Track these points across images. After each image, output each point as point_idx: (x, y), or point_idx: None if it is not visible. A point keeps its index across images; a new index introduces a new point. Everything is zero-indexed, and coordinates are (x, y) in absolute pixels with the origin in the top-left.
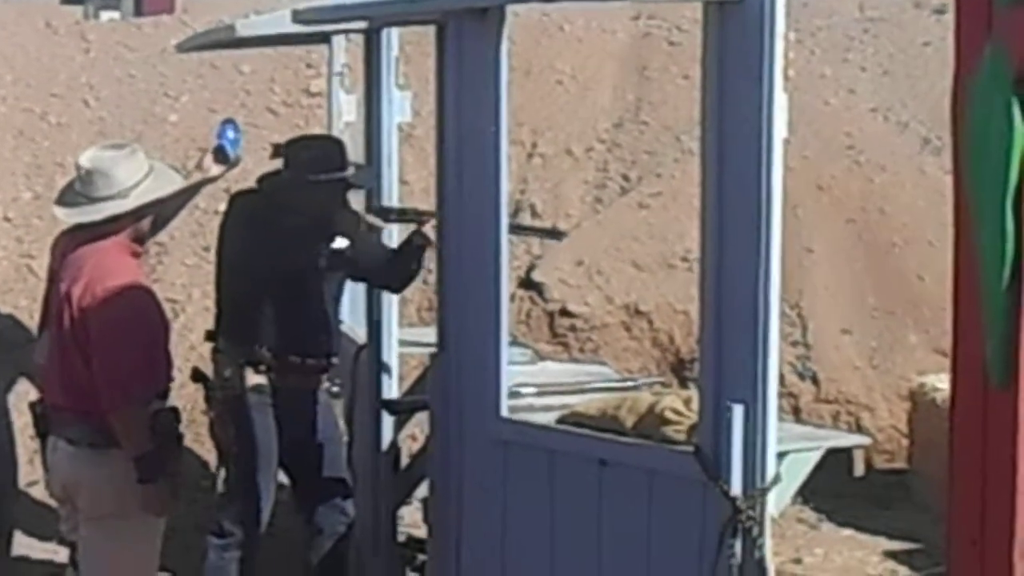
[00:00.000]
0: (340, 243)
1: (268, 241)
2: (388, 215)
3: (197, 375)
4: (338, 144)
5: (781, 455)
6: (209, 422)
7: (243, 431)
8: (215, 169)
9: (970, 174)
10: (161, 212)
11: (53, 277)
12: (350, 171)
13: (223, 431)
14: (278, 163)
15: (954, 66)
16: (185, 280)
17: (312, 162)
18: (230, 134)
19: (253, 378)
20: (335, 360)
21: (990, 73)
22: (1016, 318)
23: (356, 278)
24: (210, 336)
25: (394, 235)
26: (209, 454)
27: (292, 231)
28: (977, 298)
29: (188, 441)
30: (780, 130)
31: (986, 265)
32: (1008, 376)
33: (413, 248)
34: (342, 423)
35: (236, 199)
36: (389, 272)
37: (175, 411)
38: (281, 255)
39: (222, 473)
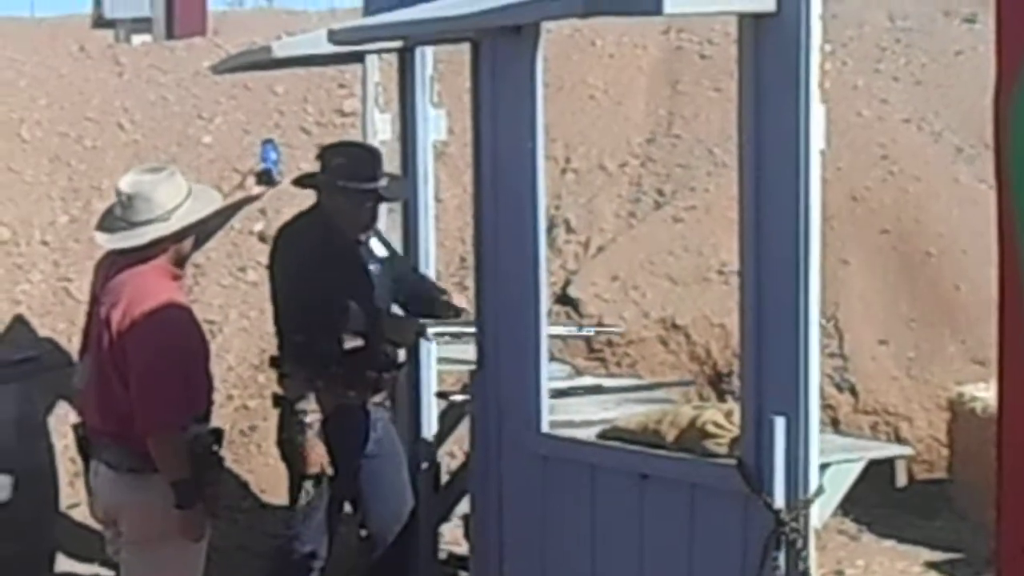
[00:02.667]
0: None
1: (319, 270)
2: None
3: (277, 400)
4: (371, 153)
5: (823, 467)
6: (281, 444)
7: (331, 450)
8: (256, 189)
9: (1013, 178)
10: (202, 230)
11: (95, 300)
12: (382, 182)
13: (311, 453)
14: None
15: (996, 73)
16: (221, 301)
17: (341, 168)
18: (272, 155)
19: (338, 399)
20: (385, 375)
21: None
22: None
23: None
24: (274, 362)
25: None
26: (250, 474)
27: (340, 262)
28: (1022, 305)
29: (228, 462)
30: (817, 141)
31: None
32: None
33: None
34: None
35: (291, 224)
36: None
37: (218, 432)
38: (330, 284)
39: (308, 491)
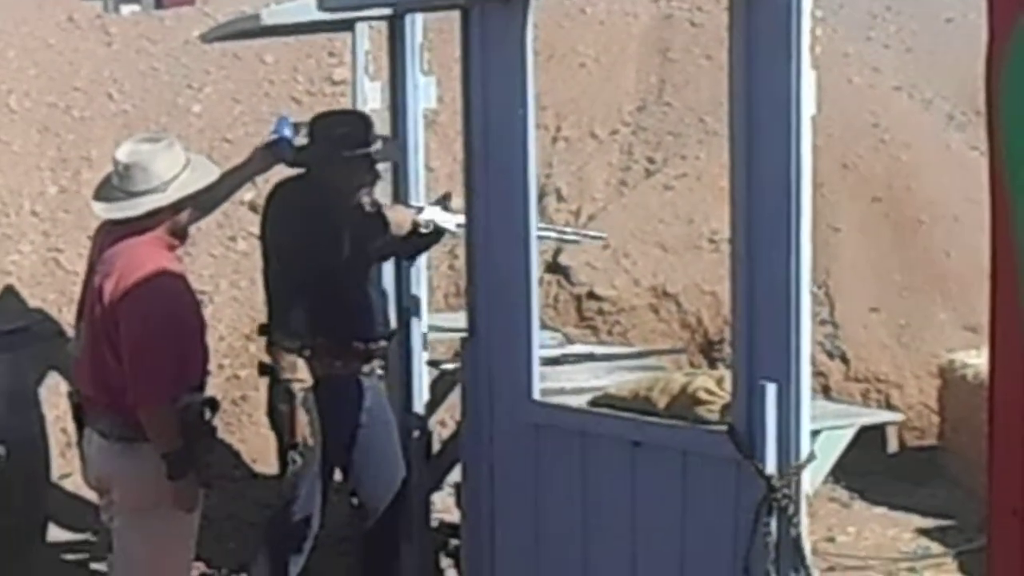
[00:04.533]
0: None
1: (312, 238)
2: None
3: (263, 369)
4: (365, 119)
5: (815, 433)
6: (270, 414)
7: (320, 419)
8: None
9: (1005, 144)
10: (208, 200)
11: (91, 269)
12: (377, 145)
13: (295, 422)
14: None
15: (987, 39)
16: (212, 271)
17: (345, 138)
18: (287, 131)
19: (325, 368)
20: (374, 345)
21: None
22: None
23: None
24: (263, 330)
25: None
26: (241, 444)
27: (346, 219)
28: (1014, 271)
29: (219, 431)
30: (809, 107)
31: (1023, 237)
32: None
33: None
34: None
35: (279, 189)
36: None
37: (212, 401)
38: (333, 246)
39: (294, 460)
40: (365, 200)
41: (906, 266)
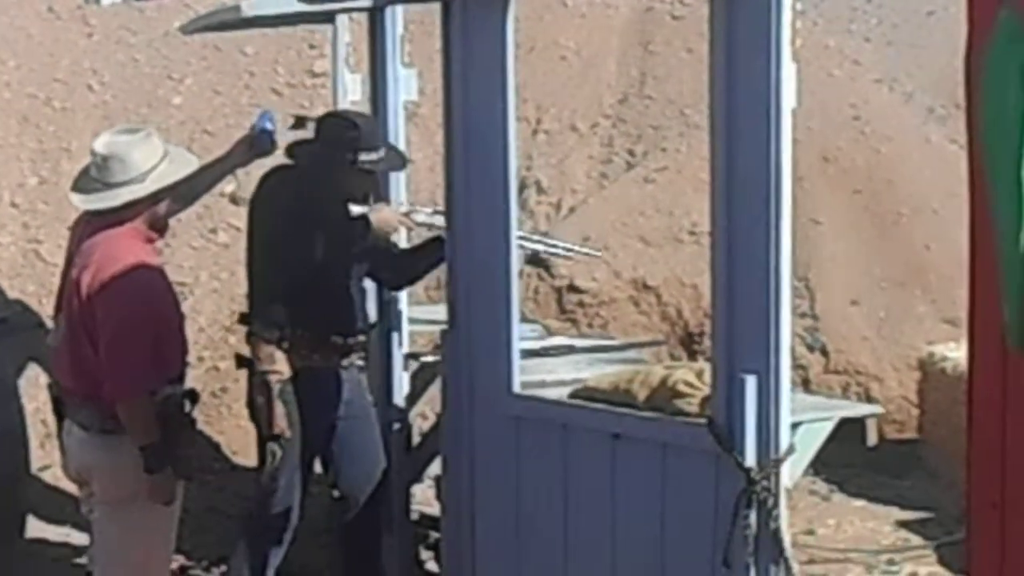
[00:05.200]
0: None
1: (296, 230)
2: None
3: (241, 360)
4: (367, 125)
5: (794, 426)
6: (250, 406)
7: (297, 412)
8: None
9: (984, 139)
10: (189, 191)
11: (70, 260)
12: (378, 154)
13: (273, 414)
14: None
15: (967, 31)
16: (193, 263)
17: (339, 141)
18: (269, 125)
19: (303, 360)
20: (352, 340)
21: (1004, 36)
22: None
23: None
24: (243, 319)
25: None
26: (221, 436)
27: (319, 223)
28: (993, 263)
29: (199, 423)
30: (789, 100)
31: (1002, 229)
32: None
33: (433, 252)
34: None
35: (268, 179)
36: (403, 270)
37: (191, 393)
38: (322, 241)
39: (273, 453)
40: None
41: (886, 259)
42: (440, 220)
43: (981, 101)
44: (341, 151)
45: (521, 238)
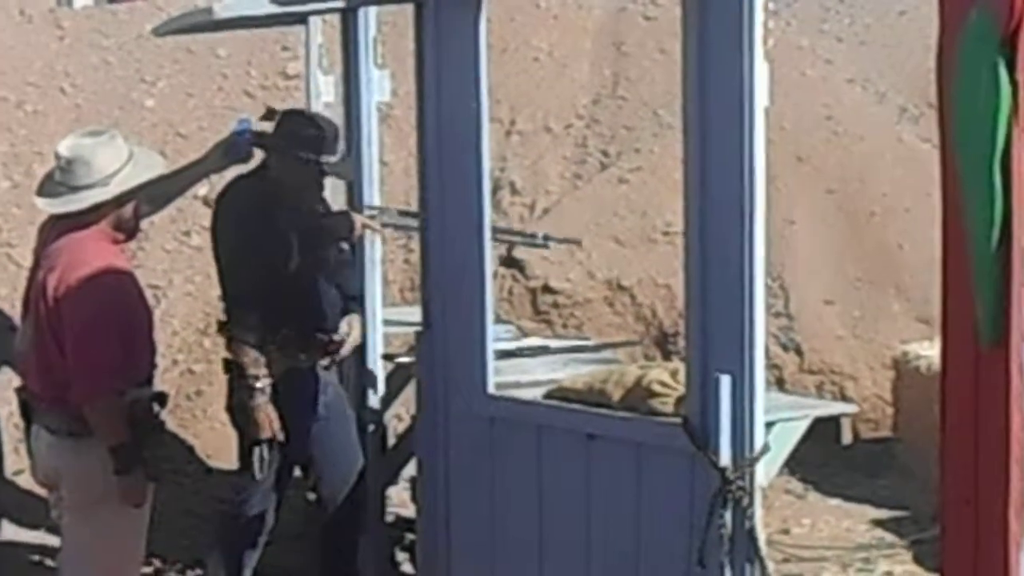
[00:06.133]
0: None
1: (267, 235)
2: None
3: (228, 365)
4: (327, 126)
5: (769, 425)
6: (231, 409)
7: (281, 414)
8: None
9: (957, 136)
10: (161, 195)
11: (36, 264)
12: (333, 157)
13: (263, 417)
14: None
15: (939, 29)
16: (166, 266)
17: (295, 136)
18: (247, 131)
19: (289, 361)
20: (335, 337)
21: (976, 35)
22: (1005, 278)
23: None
24: (222, 327)
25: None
26: (195, 439)
27: (289, 225)
28: (966, 260)
29: (173, 427)
30: (762, 100)
31: (975, 226)
32: (999, 335)
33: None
34: None
35: (230, 188)
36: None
37: (160, 396)
38: (281, 247)
39: (262, 456)
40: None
41: (860, 258)
42: (408, 221)
43: (953, 101)
44: (299, 147)
45: (500, 231)
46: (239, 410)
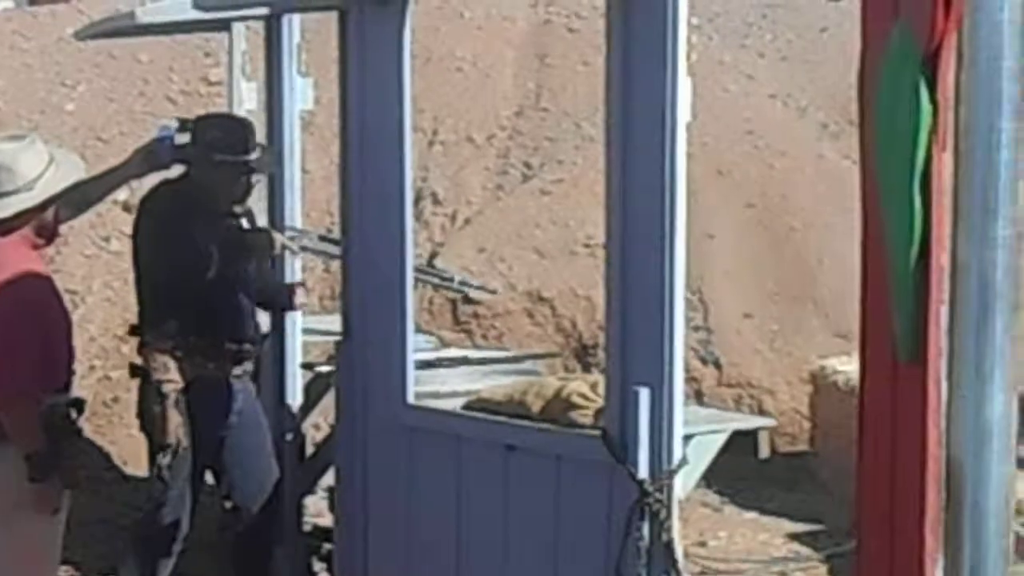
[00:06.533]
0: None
1: (183, 243)
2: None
3: (135, 370)
4: (246, 125)
5: (687, 438)
6: (140, 415)
7: (191, 421)
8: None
9: (878, 153)
10: (83, 199)
11: None
12: (255, 154)
13: (168, 423)
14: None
15: (861, 46)
16: (85, 271)
17: (217, 142)
18: (170, 137)
19: (197, 369)
20: (246, 347)
21: (898, 53)
22: (924, 295)
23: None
24: (135, 330)
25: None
26: (112, 446)
27: (205, 232)
28: (885, 276)
29: (89, 433)
30: (684, 114)
31: (894, 243)
32: (917, 351)
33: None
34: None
35: (151, 193)
36: (269, 299)
37: (77, 402)
38: (198, 253)
39: (165, 463)
40: (238, 210)
41: (779, 273)
42: (328, 247)
43: (874, 118)
44: (218, 151)
45: (417, 270)
46: (146, 416)
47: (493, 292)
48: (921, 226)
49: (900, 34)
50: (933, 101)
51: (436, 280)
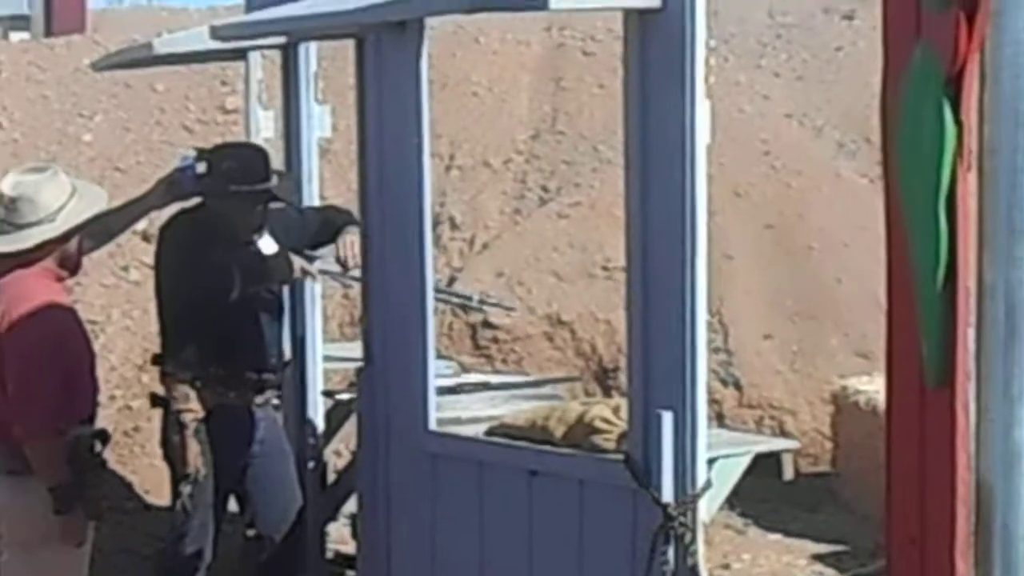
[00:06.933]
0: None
1: (202, 272)
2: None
3: (156, 400)
4: (261, 154)
5: (711, 461)
6: (163, 444)
7: (211, 450)
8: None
9: (901, 174)
10: (105, 231)
11: None
12: (273, 182)
13: (187, 452)
14: None
15: (883, 67)
16: (104, 301)
17: (233, 172)
18: (191, 167)
19: (218, 398)
20: (267, 376)
21: (921, 74)
22: (951, 318)
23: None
24: (156, 359)
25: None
26: (134, 475)
27: (225, 261)
28: (911, 299)
29: (111, 463)
30: (703, 136)
31: (920, 266)
32: (945, 375)
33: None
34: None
35: (166, 229)
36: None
37: (102, 434)
38: (219, 282)
39: (187, 492)
40: (256, 238)
41: (798, 293)
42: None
43: (897, 139)
44: (234, 182)
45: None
46: (167, 445)
47: (512, 309)
48: (947, 248)
49: (923, 55)
50: (957, 121)
51: (455, 300)
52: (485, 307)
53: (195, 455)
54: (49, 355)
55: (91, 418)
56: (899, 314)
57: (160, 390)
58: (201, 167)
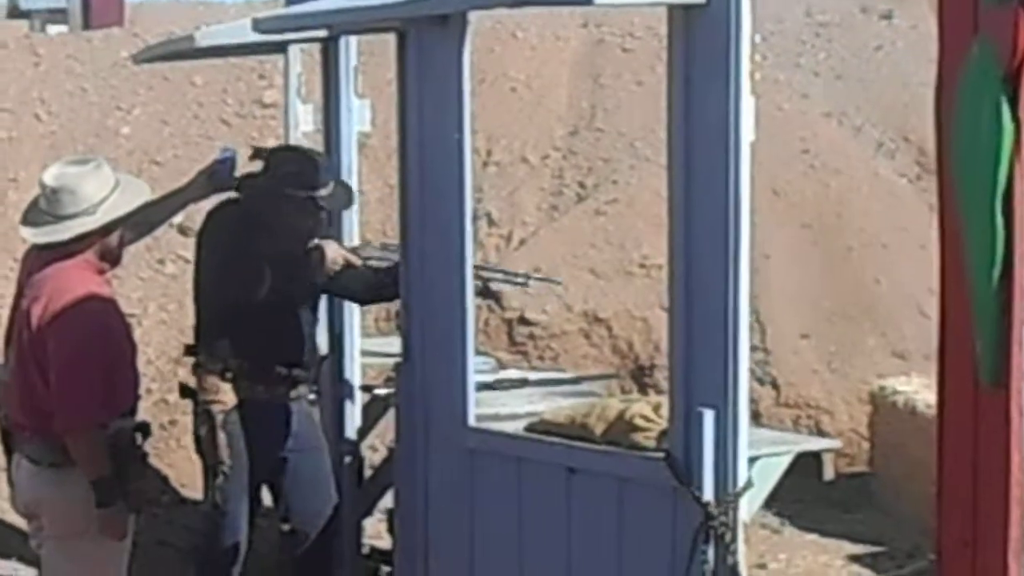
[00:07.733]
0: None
1: (241, 263)
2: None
3: (185, 391)
4: (314, 161)
5: (752, 460)
6: (196, 437)
7: (242, 443)
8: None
9: (958, 172)
10: (146, 223)
11: (20, 293)
12: (325, 190)
13: (215, 445)
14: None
15: (938, 62)
16: (141, 294)
17: (289, 177)
18: (231, 160)
19: (247, 391)
20: (297, 372)
21: (978, 71)
22: (1007, 316)
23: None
24: (190, 350)
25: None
26: (170, 469)
27: (265, 256)
28: (965, 297)
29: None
30: (747, 133)
31: (975, 264)
32: (999, 374)
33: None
34: None
35: (215, 213)
36: (364, 291)
37: (143, 426)
38: (267, 273)
39: (217, 484)
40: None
41: (836, 292)
42: (390, 255)
43: (953, 136)
44: (290, 186)
45: (477, 267)
46: (197, 437)
47: (558, 282)
48: (1003, 245)
49: (980, 51)
50: (1015, 119)
51: (501, 277)
52: (531, 282)
53: (222, 446)
54: (91, 348)
55: (132, 411)
56: (952, 312)
57: (191, 381)
58: (255, 164)
